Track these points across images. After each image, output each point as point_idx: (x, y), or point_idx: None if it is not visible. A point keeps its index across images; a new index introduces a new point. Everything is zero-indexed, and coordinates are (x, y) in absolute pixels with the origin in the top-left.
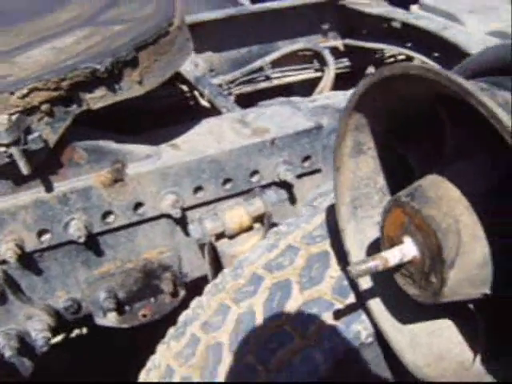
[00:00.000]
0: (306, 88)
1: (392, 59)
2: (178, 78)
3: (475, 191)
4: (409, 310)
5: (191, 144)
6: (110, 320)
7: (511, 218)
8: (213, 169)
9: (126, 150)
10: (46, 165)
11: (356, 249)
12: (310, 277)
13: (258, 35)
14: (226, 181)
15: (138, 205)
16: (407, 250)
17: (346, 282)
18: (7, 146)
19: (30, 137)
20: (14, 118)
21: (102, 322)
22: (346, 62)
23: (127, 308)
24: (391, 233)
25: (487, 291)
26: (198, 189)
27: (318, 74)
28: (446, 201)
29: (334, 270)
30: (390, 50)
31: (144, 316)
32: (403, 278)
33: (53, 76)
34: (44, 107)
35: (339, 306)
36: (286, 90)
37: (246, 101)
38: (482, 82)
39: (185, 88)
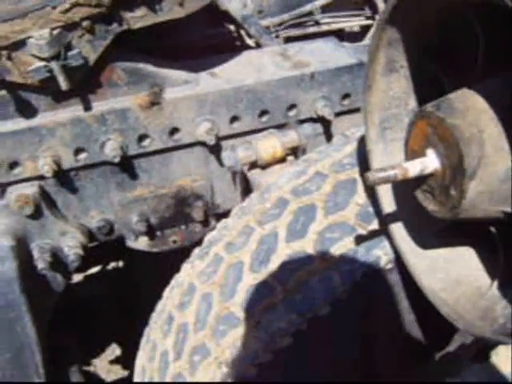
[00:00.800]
0: (357, 35)
1: None
2: (226, 16)
3: (503, 105)
4: (429, 235)
5: (230, 73)
6: (141, 243)
7: None
8: (250, 99)
9: (165, 74)
10: (84, 83)
11: None
12: (335, 202)
13: None
14: (263, 112)
15: (174, 130)
16: (429, 161)
17: (370, 209)
18: (47, 60)
19: (70, 53)
20: (55, 32)
21: (133, 245)
22: None
23: (158, 233)
24: (415, 146)
25: (508, 209)
26: (234, 118)
27: (369, 22)
28: (471, 112)
29: (360, 196)
30: None
31: (174, 242)
32: (423, 193)
33: None
34: (85, 24)
35: (362, 231)
36: (336, 37)
37: None
38: None
39: (232, 27)
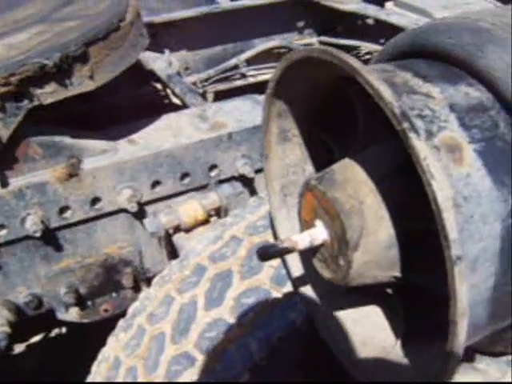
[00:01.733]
0: None
1: (368, 56)
2: (151, 76)
3: (380, 174)
4: (336, 297)
5: (148, 139)
6: (72, 315)
7: (415, 199)
8: (170, 163)
9: (82, 145)
10: (0, 160)
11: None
12: (250, 266)
13: (232, 33)
14: (184, 175)
15: (95, 199)
16: (317, 233)
17: (284, 271)
18: None
19: None
20: None
21: (63, 317)
22: None
23: (89, 303)
24: (306, 216)
25: (397, 274)
26: (155, 183)
27: None
28: (351, 183)
29: (274, 260)
30: (365, 46)
31: (106, 311)
32: (319, 262)
33: (2, 71)
34: None
35: (277, 294)
36: (262, 88)
37: (223, 99)
38: (389, 65)
39: (158, 86)
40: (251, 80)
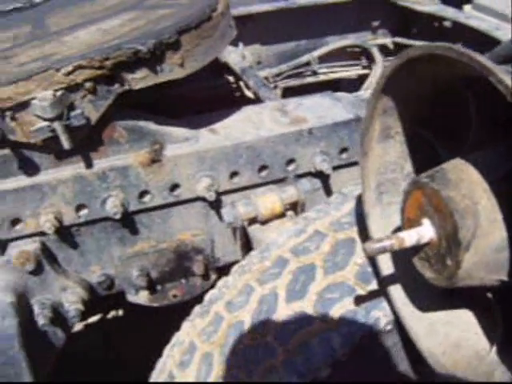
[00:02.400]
0: (353, 85)
1: None
2: (225, 68)
3: (496, 176)
4: (428, 298)
5: (229, 130)
6: (142, 298)
7: None
8: (249, 155)
9: (166, 131)
10: (87, 141)
11: (380, 234)
12: (334, 262)
13: (306, 30)
14: (262, 168)
15: (174, 186)
16: (425, 231)
17: (369, 269)
18: (51, 120)
19: (73, 113)
20: (58, 94)
21: (133, 300)
22: None
23: (159, 287)
24: (411, 215)
25: (504, 277)
26: (233, 174)
27: (366, 71)
28: (465, 183)
29: (359, 256)
30: None
31: (174, 296)
32: (421, 261)
33: (97, 55)
34: (87, 85)
35: (361, 291)
36: (333, 86)
37: (292, 95)
38: (508, 66)
39: (231, 79)
40: (322, 77)
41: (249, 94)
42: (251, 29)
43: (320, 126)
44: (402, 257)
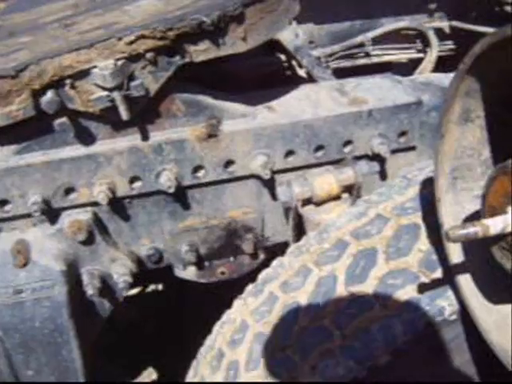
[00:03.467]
0: (406, 68)
1: None
2: (278, 46)
3: None
4: (500, 290)
5: (287, 107)
6: (189, 273)
7: None
8: (306, 134)
9: (223, 106)
10: (144, 113)
11: (451, 221)
12: (397, 247)
13: (361, 10)
14: (319, 148)
15: (229, 162)
16: (510, 220)
17: (434, 257)
18: (110, 90)
19: (133, 83)
20: (119, 63)
21: (181, 275)
22: (450, 44)
23: (207, 264)
24: (494, 202)
25: None
26: (289, 153)
27: (420, 55)
28: None
29: (423, 243)
30: None
31: (222, 273)
32: (501, 251)
33: (160, 25)
34: (149, 55)
35: (425, 279)
36: (386, 69)
37: (343, 76)
38: None
39: (284, 57)
40: (375, 60)
41: (302, 73)
42: (305, 7)
43: (380, 108)
44: (474, 245)
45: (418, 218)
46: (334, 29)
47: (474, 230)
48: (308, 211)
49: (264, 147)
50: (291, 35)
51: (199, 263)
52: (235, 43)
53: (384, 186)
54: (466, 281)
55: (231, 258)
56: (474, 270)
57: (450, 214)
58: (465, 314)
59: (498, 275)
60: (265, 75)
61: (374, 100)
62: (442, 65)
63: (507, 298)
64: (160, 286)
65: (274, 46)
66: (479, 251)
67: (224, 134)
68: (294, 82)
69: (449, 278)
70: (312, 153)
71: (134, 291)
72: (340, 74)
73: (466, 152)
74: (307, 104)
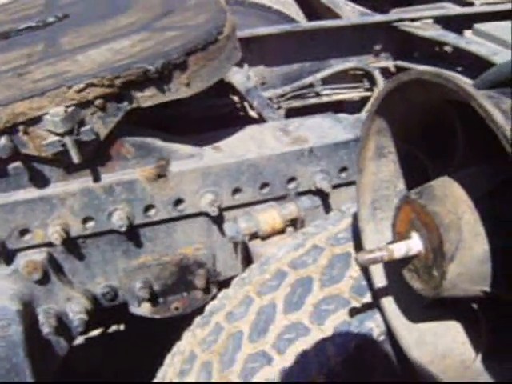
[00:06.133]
0: (356, 106)
1: None
2: (230, 88)
3: (479, 193)
4: (418, 310)
5: (233, 147)
6: (144, 310)
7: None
8: (252, 172)
9: (171, 148)
10: (95, 156)
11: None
12: (330, 275)
13: (310, 52)
14: (264, 185)
15: (179, 201)
16: (413, 244)
17: (364, 282)
18: (62, 135)
19: (83, 129)
20: (69, 110)
21: (135, 311)
22: None
23: (161, 300)
24: (401, 229)
25: (487, 288)
26: (236, 190)
27: (368, 94)
28: (450, 199)
29: (355, 270)
30: None
31: (176, 309)
32: (410, 272)
33: (108, 74)
34: (98, 102)
35: (355, 304)
36: (336, 108)
37: (296, 116)
38: (493, 92)
39: (236, 99)
40: (325, 99)
41: (253, 113)
42: (256, 50)
43: (320, 146)
44: (394, 270)
45: (349, 247)
46: (284, 70)
47: (380, 254)
48: (255, 245)
49: (211, 185)
50: (243, 78)
51: (153, 299)
52: (179, 89)
53: (321, 219)
54: (388, 303)
55: (184, 294)
56: (395, 292)
57: (372, 243)
58: (391, 334)
59: (414, 296)
60: (219, 116)
61: (315, 138)
62: None
63: (424, 316)
64: (118, 329)
65: (228, 88)
66: (398, 275)
67: (173, 174)
68: (246, 122)
69: (376, 300)
70: (258, 190)
71: (94, 335)
72: (292, 113)
73: (383, 184)
74: (252, 144)
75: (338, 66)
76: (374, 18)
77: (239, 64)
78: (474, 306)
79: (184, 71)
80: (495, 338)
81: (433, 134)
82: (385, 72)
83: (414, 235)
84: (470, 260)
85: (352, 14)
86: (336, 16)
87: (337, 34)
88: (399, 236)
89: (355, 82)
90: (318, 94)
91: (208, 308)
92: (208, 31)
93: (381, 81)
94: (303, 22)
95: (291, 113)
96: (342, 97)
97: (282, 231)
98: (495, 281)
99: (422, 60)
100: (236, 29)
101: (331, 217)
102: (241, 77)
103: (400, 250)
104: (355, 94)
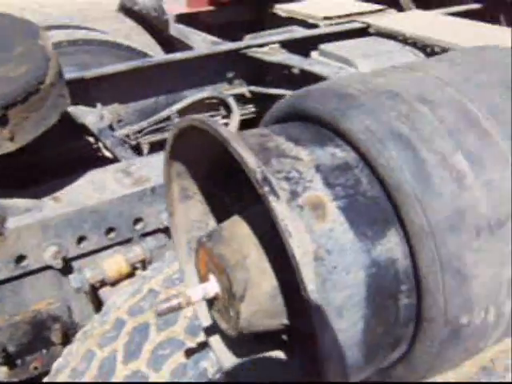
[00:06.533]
0: None
1: None
2: (85, 130)
3: (263, 229)
4: (242, 345)
5: (72, 196)
6: (1, 375)
7: None
8: (94, 219)
9: (7, 204)
10: None
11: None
12: (165, 318)
13: (164, 85)
14: (110, 230)
15: (21, 257)
16: (210, 286)
17: (197, 322)
18: None
19: None
20: None
21: None
22: (251, 108)
23: (18, 361)
24: (202, 272)
25: (285, 321)
26: (81, 239)
27: (226, 121)
28: (237, 239)
29: (189, 310)
30: None
31: (35, 368)
32: (216, 313)
33: None
34: None
35: (191, 344)
36: None
37: (159, 149)
38: (267, 128)
39: (91, 140)
40: None
41: (108, 153)
42: (108, 89)
43: (163, 184)
44: None
45: (184, 288)
46: (139, 106)
47: (177, 301)
48: (104, 292)
49: (54, 238)
50: (95, 118)
51: (10, 362)
52: (3, 144)
53: (158, 261)
54: (216, 341)
55: (43, 351)
56: (220, 330)
57: (193, 283)
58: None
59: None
60: (74, 159)
61: (156, 177)
62: (247, 127)
63: (247, 350)
64: None
65: (81, 130)
66: None
67: (10, 231)
68: (100, 163)
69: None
70: (104, 235)
71: None
72: (154, 148)
73: (195, 225)
74: (92, 190)
75: (192, 96)
76: (224, 46)
77: (92, 104)
78: (284, 336)
79: (5, 126)
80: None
81: (227, 173)
82: (241, 98)
83: (212, 278)
84: (260, 297)
85: (203, 44)
86: (187, 47)
87: (189, 65)
88: (202, 279)
89: (212, 111)
90: None
91: (54, 366)
92: (28, 82)
93: (235, 107)
94: (154, 57)
95: (154, 147)
96: None
97: (131, 275)
98: (292, 312)
99: (274, 84)
100: (63, 74)
101: (167, 258)
102: (93, 117)
103: (197, 294)
104: None
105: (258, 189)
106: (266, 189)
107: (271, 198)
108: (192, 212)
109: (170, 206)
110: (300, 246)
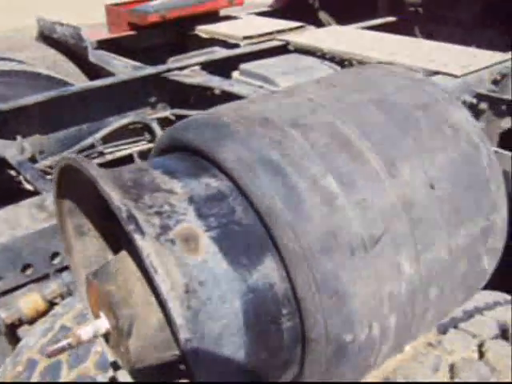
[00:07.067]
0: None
1: None
2: (5, 164)
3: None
4: (145, 375)
5: None
6: None
7: None
8: (8, 256)
9: None
10: None
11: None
12: (77, 355)
13: (85, 113)
14: (26, 267)
15: None
16: (101, 324)
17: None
18: None
19: None
20: None
21: None
22: None
23: None
24: (94, 308)
25: (176, 352)
26: None
27: (150, 145)
28: (122, 274)
29: (99, 344)
30: None
31: None
32: (111, 348)
33: None
34: None
35: (102, 379)
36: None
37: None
38: (147, 162)
39: (12, 173)
40: (109, 157)
41: (29, 186)
42: (27, 120)
43: None
44: None
45: None
46: (62, 136)
47: (66, 341)
48: (23, 332)
49: None
50: (15, 151)
51: None
52: None
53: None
54: (123, 374)
55: None
56: None
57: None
58: None
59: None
60: None
61: None
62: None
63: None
64: None
65: (2, 164)
66: None
67: None
68: (22, 197)
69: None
70: (20, 273)
71: None
72: None
73: (93, 261)
74: (5, 227)
75: (115, 123)
76: (144, 71)
77: (12, 137)
78: (182, 367)
79: None
80: None
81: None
82: (165, 121)
83: (102, 314)
84: (147, 331)
85: (124, 70)
86: (109, 73)
87: (110, 91)
88: (94, 315)
89: (137, 136)
90: (101, 153)
91: None
92: None
93: (159, 131)
94: (73, 86)
95: None
96: (126, 152)
97: (49, 310)
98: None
99: (197, 106)
100: None
101: (78, 293)
102: (13, 151)
103: (87, 332)
104: (139, 148)
105: (124, 226)
106: (131, 227)
107: (136, 236)
108: (89, 248)
109: (66, 242)
110: (166, 280)
